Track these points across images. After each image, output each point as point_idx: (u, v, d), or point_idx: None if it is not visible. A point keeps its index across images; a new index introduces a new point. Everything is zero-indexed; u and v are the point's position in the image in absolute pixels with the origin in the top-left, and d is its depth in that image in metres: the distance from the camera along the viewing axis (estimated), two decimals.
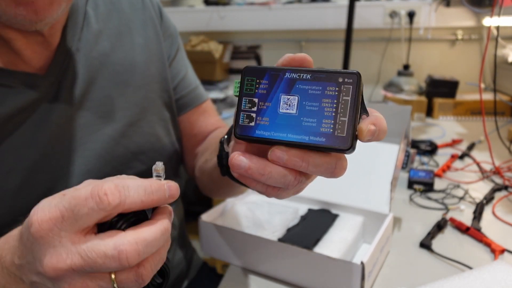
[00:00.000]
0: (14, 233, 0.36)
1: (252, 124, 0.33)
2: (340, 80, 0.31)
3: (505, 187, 0.89)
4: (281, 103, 0.33)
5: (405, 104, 1.33)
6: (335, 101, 0.31)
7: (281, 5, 1.91)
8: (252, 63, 2.11)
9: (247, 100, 0.33)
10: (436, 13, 1.74)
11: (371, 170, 0.73)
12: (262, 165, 0.33)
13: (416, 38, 1.80)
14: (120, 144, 0.59)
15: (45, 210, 0.30)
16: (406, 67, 1.67)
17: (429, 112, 1.58)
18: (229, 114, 1.87)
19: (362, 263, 0.52)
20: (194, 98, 0.73)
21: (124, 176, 0.34)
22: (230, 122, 1.76)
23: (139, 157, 0.62)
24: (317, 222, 0.67)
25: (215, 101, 1.92)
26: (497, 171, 0.96)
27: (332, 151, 0.31)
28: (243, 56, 2.12)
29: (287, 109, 0.32)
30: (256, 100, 0.33)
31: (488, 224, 0.75)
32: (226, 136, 0.48)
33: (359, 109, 0.31)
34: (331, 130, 0.30)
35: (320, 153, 0.32)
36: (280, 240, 0.62)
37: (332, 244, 0.62)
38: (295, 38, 1.99)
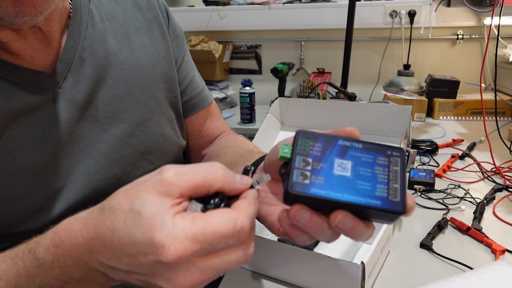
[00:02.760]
0: (91, 234, 0.34)
1: (307, 182, 0.33)
2: (389, 152, 0.35)
3: (506, 187, 0.89)
4: (335, 166, 0.34)
5: (405, 104, 1.33)
6: (387, 170, 0.34)
7: (281, 4, 1.91)
8: (252, 63, 2.11)
9: (301, 159, 0.34)
10: (436, 13, 1.74)
11: None
12: (320, 220, 0.34)
13: (417, 38, 1.80)
14: (128, 144, 0.59)
15: (184, 242, 0.30)
16: (407, 66, 1.67)
17: (430, 112, 1.58)
18: (229, 114, 1.87)
19: (362, 263, 0.52)
20: (202, 100, 0.74)
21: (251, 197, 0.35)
22: (230, 122, 1.74)
23: (147, 157, 0.62)
24: None
25: (214, 100, 1.92)
26: (497, 171, 0.95)
27: (388, 213, 0.33)
28: (243, 56, 2.12)
29: (342, 171, 0.34)
30: (310, 160, 0.34)
31: (489, 224, 0.75)
32: (252, 168, 0.48)
33: (406, 178, 0.34)
34: (386, 195, 0.33)
35: (369, 224, 0.35)
36: (280, 240, 0.62)
37: (332, 244, 0.61)
38: (295, 37, 1.99)
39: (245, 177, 0.35)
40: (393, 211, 0.32)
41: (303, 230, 0.35)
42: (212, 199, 0.33)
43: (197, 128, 0.74)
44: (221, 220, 0.31)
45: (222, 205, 0.33)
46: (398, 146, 0.35)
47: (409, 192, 0.88)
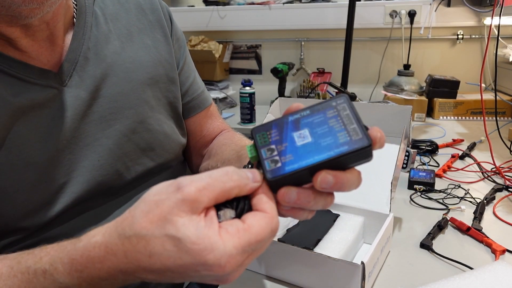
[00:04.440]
0: (121, 259, 0.34)
1: (279, 165, 0.35)
2: (334, 103, 0.37)
3: (506, 187, 0.89)
4: (296, 139, 0.36)
5: (405, 104, 1.33)
6: (339, 118, 0.36)
7: (281, 4, 1.91)
8: (252, 63, 2.11)
9: (265, 150, 0.36)
10: (436, 13, 1.74)
11: (371, 170, 0.72)
12: (308, 192, 0.35)
13: (417, 38, 1.80)
14: (131, 140, 0.61)
15: (237, 257, 0.32)
16: (407, 66, 1.67)
17: (430, 112, 1.58)
18: (229, 114, 1.87)
19: (362, 263, 0.52)
20: (203, 101, 0.76)
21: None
22: (230, 122, 1.75)
23: (148, 154, 0.64)
24: (318, 222, 0.66)
25: (215, 100, 1.92)
26: (498, 171, 0.95)
27: (358, 152, 0.34)
28: (243, 56, 2.12)
29: (303, 140, 0.35)
30: (273, 146, 0.36)
31: (489, 224, 0.75)
32: (249, 166, 0.49)
33: (359, 115, 0.36)
34: (348, 138, 0.34)
35: (352, 171, 0.36)
36: (280, 240, 0.62)
37: (332, 244, 0.61)
38: (295, 37, 1.99)
39: (256, 174, 0.35)
40: (360, 148, 0.34)
41: (299, 208, 0.37)
42: (235, 202, 0.35)
43: (198, 128, 0.76)
44: (261, 228, 0.33)
45: (247, 203, 0.35)
46: (340, 95, 0.37)
47: (409, 192, 0.89)
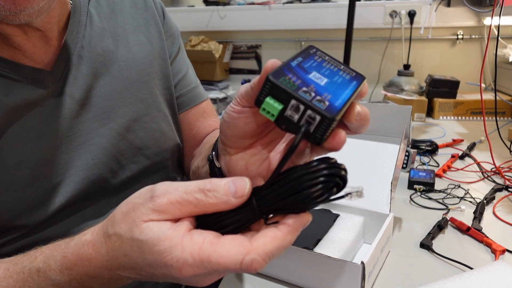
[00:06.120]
0: (105, 257, 0.35)
1: (327, 103, 0.31)
2: (312, 51, 0.37)
3: (506, 187, 0.89)
4: (315, 80, 0.33)
5: (405, 104, 1.33)
6: (327, 62, 0.37)
7: (281, 4, 1.91)
8: (252, 63, 2.11)
9: (303, 92, 0.31)
10: (436, 13, 1.74)
11: (371, 170, 0.73)
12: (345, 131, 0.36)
13: (417, 38, 1.80)
14: (125, 138, 0.60)
15: (193, 267, 0.30)
16: (407, 66, 1.67)
17: (430, 112, 1.58)
18: None
19: (362, 263, 0.52)
20: (194, 97, 0.73)
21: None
22: None
23: (144, 152, 0.63)
24: (318, 222, 0.66)
25: (215, 100, 1.92)
26: (497, 171, 0.95)
27: (362, 85, 0.36)
28: (243, 56, 2.12)
29: (322, 81, 0.34)
30: (305, 88, 0.32)
31: (489, 224, 0.75)
32: (213, 153, 0.46)
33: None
34: (350, 75, 0.36)
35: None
36: None
37: (332, 244, 0.61)
38: (295, 37, 1.99)
39: (239, 188, 0.31)
40: (363, 81, 0.36)
41: None
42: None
43: (187, 126, 0.73)
44: (228, 252, 0.30)
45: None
46: (307, 46, 0.38)
47: (409, 192, 0.89)
